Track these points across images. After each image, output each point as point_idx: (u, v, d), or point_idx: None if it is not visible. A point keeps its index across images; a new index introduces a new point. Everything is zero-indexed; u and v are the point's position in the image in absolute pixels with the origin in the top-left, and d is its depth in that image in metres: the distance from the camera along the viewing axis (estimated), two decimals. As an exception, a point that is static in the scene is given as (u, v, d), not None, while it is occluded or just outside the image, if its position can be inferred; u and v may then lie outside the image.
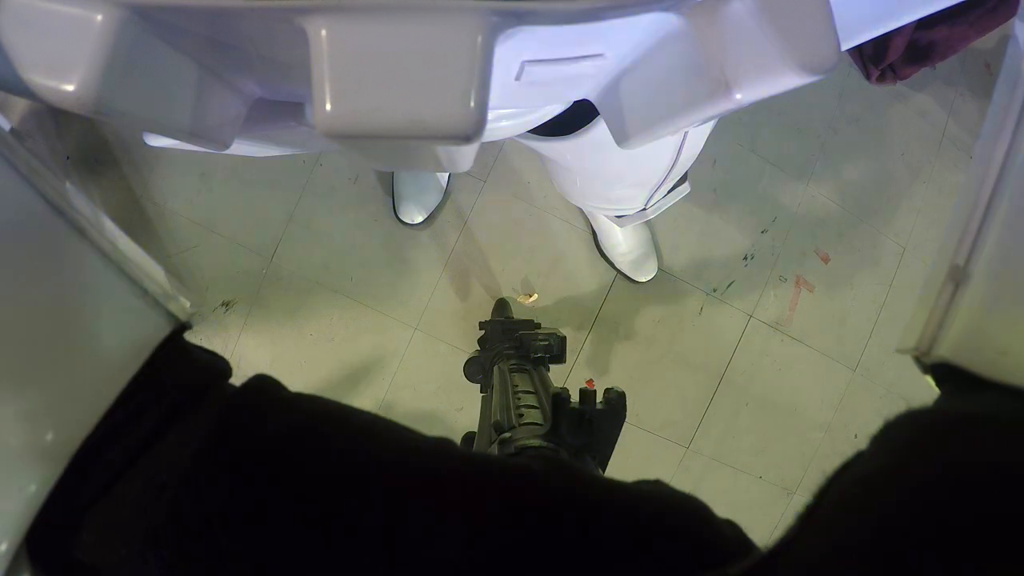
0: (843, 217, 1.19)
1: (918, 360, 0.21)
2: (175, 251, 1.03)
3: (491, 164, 1.08)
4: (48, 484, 0.18)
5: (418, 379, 1.08)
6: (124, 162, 1.02)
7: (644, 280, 1.09)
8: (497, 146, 1.08)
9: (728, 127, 1.13)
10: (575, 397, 0.38)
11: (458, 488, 0.19)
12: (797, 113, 1.16)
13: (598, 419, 0.36)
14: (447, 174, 1.03)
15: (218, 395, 0.22)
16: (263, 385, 0.22)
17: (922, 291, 0.23)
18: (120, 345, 0.21)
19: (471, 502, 0.19)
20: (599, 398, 0.38)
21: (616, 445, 0.42)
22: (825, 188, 1.17)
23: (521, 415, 0.42)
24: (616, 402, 0.38)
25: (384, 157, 0.29)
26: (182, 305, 0.23)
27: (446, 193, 1.06)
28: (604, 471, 0.39)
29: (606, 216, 0.61)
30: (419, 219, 1.04)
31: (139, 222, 1.02)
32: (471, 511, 0.19)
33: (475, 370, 0.67)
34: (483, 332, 0.84)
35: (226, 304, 1.05)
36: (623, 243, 1.04)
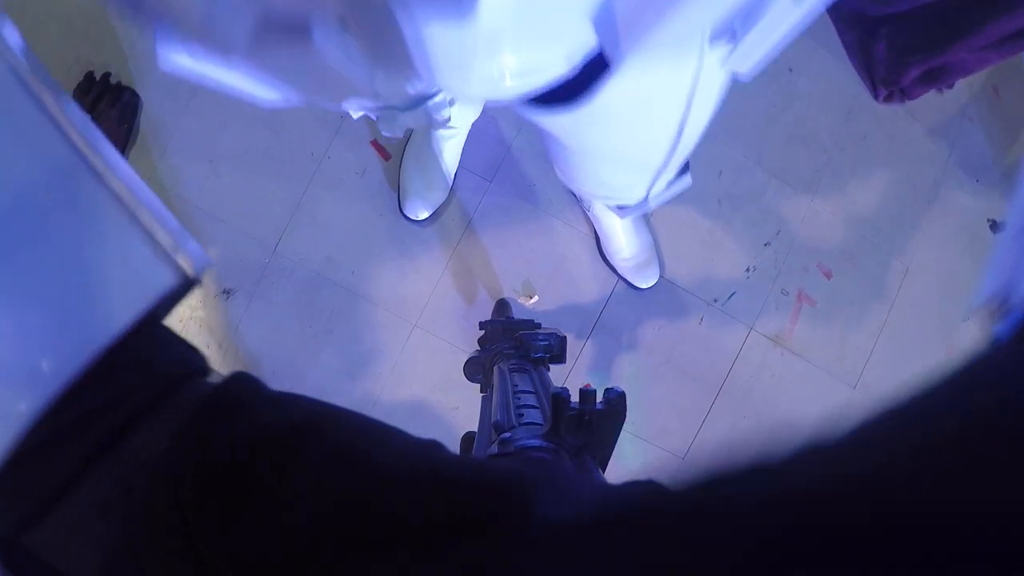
0: (847, 234, 1.19)
1: (992, 314, 0.20)
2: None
3: (498, 165, 1.08)
4: (33, 411, 0.18)
5: (415, 376, 1.08)
6: (136, 147, 1.03)
7: (645, 287, 1.09)
8: (504, 146, 1.08)
9: (735, 138, 1.14)
10: (575, 397, 0.38)
11: (443, 493, 0.18)
12: (804, 128, 1.16)
13: (598, 419, 0.36)
14: (454, 171, 1.04)
15: (193, 392, 0.21)
16: (243, 384, 0.21)
17: (997, 250, 0.22)
18: (123, 289, 0.21)
19: (456, 508, 0.18)
20: (599, 398, 0.38)
21: (615, 446, 0.42)
22: (830, 204, 1.18)
23: (521, 415, 0.42)
24: (616, 402, 0.38)
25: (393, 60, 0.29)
26: (192, 257, 0.23)
27: (452, 191, 1.06)
28: (604, 471, 0.39)
29: (607, 206, 0.61)
30: (424, 215, 1.05)
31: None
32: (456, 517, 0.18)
33: (475, 370, 0.67)
34: (483, 332, 0.84)
35: (227, 292, 1.05)
36: (625, 248, 1.04)
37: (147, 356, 0.21)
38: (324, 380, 1.06)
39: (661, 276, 1.11)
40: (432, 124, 0.54)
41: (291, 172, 1.05)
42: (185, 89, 1.03)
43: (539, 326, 0.79)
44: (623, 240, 1.04)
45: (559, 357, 0.68)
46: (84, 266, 0.20)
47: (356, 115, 0.53)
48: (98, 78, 0.99)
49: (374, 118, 0.54)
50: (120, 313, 0.20)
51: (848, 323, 1.19)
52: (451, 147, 0.99)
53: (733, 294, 1.15)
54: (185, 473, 0.18)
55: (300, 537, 0.17)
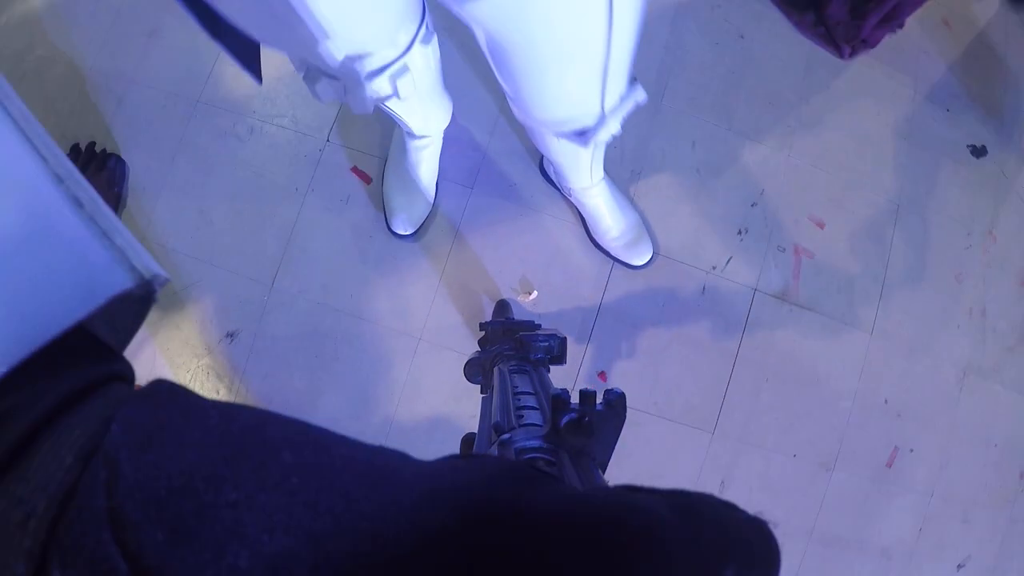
0: (830, 182, 1.19)
1: None
2: (179, 287, 1.05)
3: (476, 170, 1.11)
4: None
5: (428, 390, 1.07)
6: (127, 209, 1.07)
7: (640, 263, 1.09)
8: (480, 151, 1.11)
9: (702, 110, 1.16)
10: (575, 398, 0.39)
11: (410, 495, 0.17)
12: (767, 89, 1.19)
13: (597, 420, 0.37)
14: (434, 183, 1.06)
15: (104, 401, 0.19)
16: (171, 391, 0.19)
17: None
18: (77, 287, 0.21)
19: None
20: (599, 399, 0.38)
21: (616, 447, 0.42)
22: (808, 156, 1.19)
23: (521, 416, 0.42)
24: (616, 403, 0.38)
25: None
26: (147, 265, 0.23)
27: (435, 202, 1.08)
28: (604, 472, 0.38)
29: (570, 139, 0.61)
30: (411, 230, 1.06)
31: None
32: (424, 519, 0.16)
33: (475, 371, 0.67)
34: (483, 333, 0.84)
35: (231, 335, 1.06)
36: (613, 227, 1.05)
37: (68, 361, 0.20)
38: (337, 409, 1.05)
39: (656, 253, 1.11)
40: (395, 93, 0.56)
41: (279, 209, 1.08)
42: (168, 146, 1.07)
43: (539, 327, 0.79)
44: (609, 219, 1.04)
45: (559, 358, 0.68)
46: (36, 260, 0.20)
47: (327, 100, 0.56)
48: (83, 148, 1.04)
49: (344, 99, 0.56)
50: (72, 310, 0.20)
51: (850, 269, 1.18)
52: (427, 159, 1.02)
53: (730, 259, 1.15)
54: (113, 491, 0.16)
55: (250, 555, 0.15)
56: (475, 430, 0.48)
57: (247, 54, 0.47)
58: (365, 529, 0.15)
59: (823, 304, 1.17)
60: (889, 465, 1.17)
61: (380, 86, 0.54)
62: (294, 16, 0.40)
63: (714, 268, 1.15)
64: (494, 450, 0.35)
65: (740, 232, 1.16)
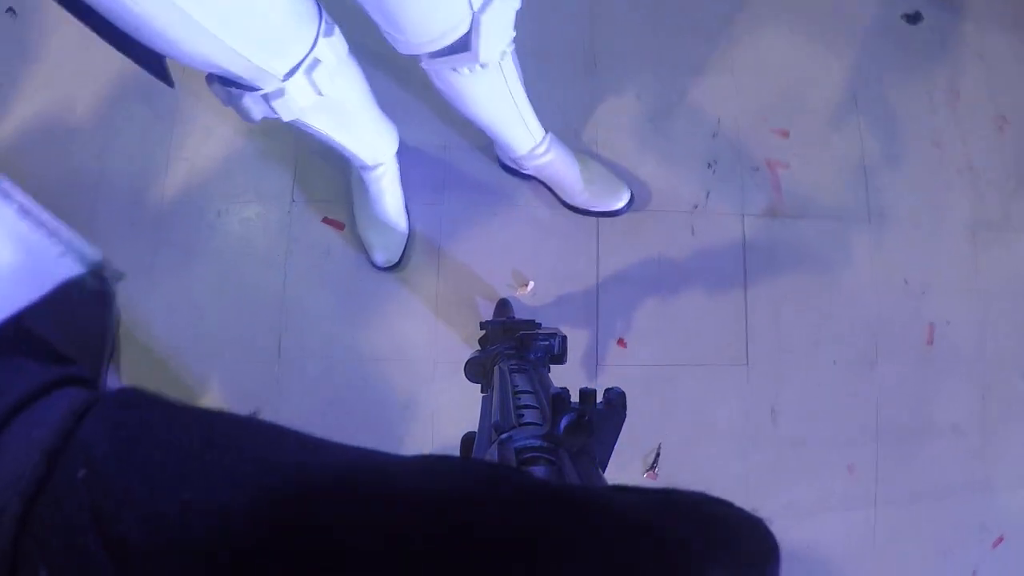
0: (781, 89, 1.19)
1: None
2: (194, 382, 1.06)
3: (440, 182, 1.12)
4: None
5: (456, 409, 1.07)
6: (126, 326, 1.08)
7: (620, 205, 1.07)
8: (439, 163, 1.12)
9: (631, 62, 1.18)
10: (575, 397, 0.39)
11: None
12: (688, 20, 1.20)
13: (598, 419, 0.37)
14: (403, 207, 1.07)
15: (75, 403, 0.18)
16: (153, 396, 0.19)
17: None
18: (29, 275, 0.22)
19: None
20: (599, 398, 0.39)
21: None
22: (750, 73, 1.19)
23: (521, 415, 0.42)
24: (616, 402, 0.38)
25: None
26: (94, 255, 0.24)
27: (410, 226, 1.09)
28: (604, 471, 0.39)
29: (458, 61, 0.62)
30: (395, 260, 1.07)
31: (161, 377, 1.07)
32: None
33: (475, 370, 0.67)
34: (484, 332, 0.84)
35: (254, 415, 1.06)
36: (579, 182, 1.05)
37: (24, 354, 0.20)
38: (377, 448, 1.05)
39: (633, 195, 1.09)
40: (317, 90, 0.59)
41: (265, 280, 1.09)
42: (146, 255, 1.09)
43: (539, 325, 0.80)
44: (571, 174, 1.04)
45: (560, 357, 0.69)
46: None
47: (258, 118, 0.59)
48: (66, 279, 1.06)
49: (271, 111, 0.59)
50: (18, 293, 0.21)
51: (828, 166, 1.17)
52: (389, 188, 1.03)
53: (709, 193, 1.15)
54: (88, 493, 0.15)
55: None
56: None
57: (154, 64, 0.51)
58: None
59: (813, 208, 1.16)
60: (930, 343, 1.15)
61: (300, 86, 0.58)
62: (194, 28, 0.45)
63: (696, 207, 1.14)
64: (494, 449, 0.35)
65: (710, 165, 1.16)
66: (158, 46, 0.48)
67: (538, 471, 0.32)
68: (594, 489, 0.19)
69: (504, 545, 0.14)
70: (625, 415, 0.38)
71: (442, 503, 0.16)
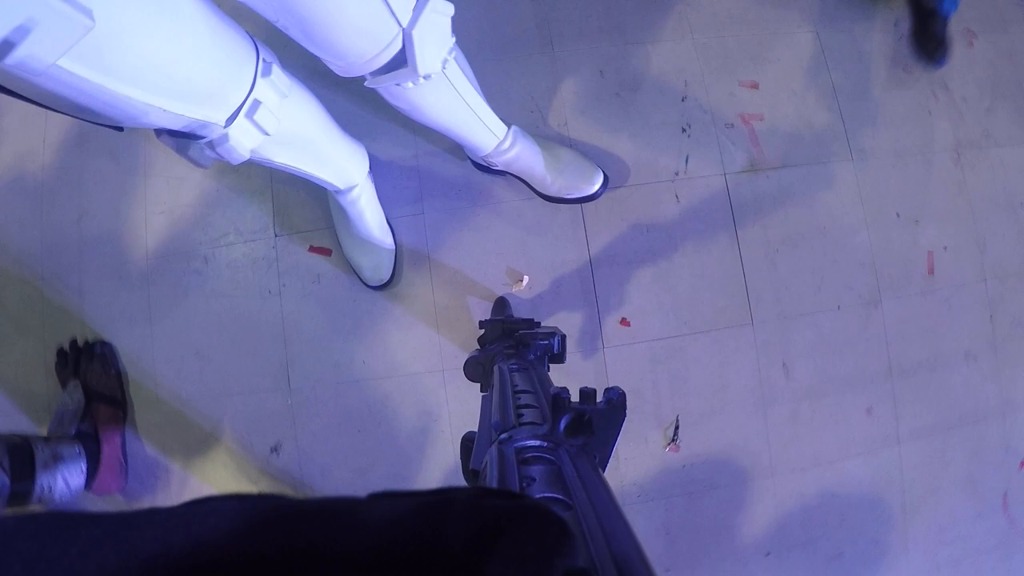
0: (742, 43, 1.18)
1: None
2: (210, 428, 1.07)
3: (418, 192, 1.12)
4: None
5: (472, 412, 1.07)
6: (132, 384, 1.09)
7: (595, 189, 1.06)
8: (414, 173, 1.12)
9: (592, 39, 1.16)
10: (575, 397, 0.39)
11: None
12: (643, -11, 1.18)
13: (597, 418, 0.37)
14: (385, 223, 1.07)
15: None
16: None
17: None
18: None
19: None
20: (599, 397, 0.39)
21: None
22: (709, 30, 1.18)
23: (521, 415, 0.42)
24: (616, 401, 0.38)
25: None
26: None
27: (396, 240, 1.09)
28: (604, 470, 0.39)
29: (401, 77, 0.62)
30: (387, 277, 1.07)
31: (175, 426, 1.07)
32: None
33: (475, 369, 0.67)
34: (483, 331, 0.84)
35: (274, 450, 1.07)
36: (551, 172, 1.04)
37: None
38: (395, 471, 1.06)
39: (607, 176, 1.08)
40: (262, 130, 0.59)
41: (263, 317, 1.10)
42: (141, 310, 1.10)
43: (538, 325, 0.79)
44: (542, 165, 1.03)
45: (559, 356, 0.68)
46: None
47: (209, 164, 0.59)
48: (68, 348, 1.06)
49: (221, 154, 0.59)
50: None
51: (801, 112, 1.16)
52: (367, 207, 1.02)
53: (687, 157, 1.14)
54: None
55: None
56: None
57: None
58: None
59: (794, 156, 1.15)
60: (931, 272, 1.14)
61: (243, 129, 0.58)
62: (120, 98, 0.45)
63: (677, 174, 1.14)
64: (494, 449, 0.35)
65: (684, 130, 1.15)
66: (89, 113, 0.48)
67: (537, 470, 0.32)
68: (341, 499, 0.19)
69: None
70: (625, 414, 0.38)
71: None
